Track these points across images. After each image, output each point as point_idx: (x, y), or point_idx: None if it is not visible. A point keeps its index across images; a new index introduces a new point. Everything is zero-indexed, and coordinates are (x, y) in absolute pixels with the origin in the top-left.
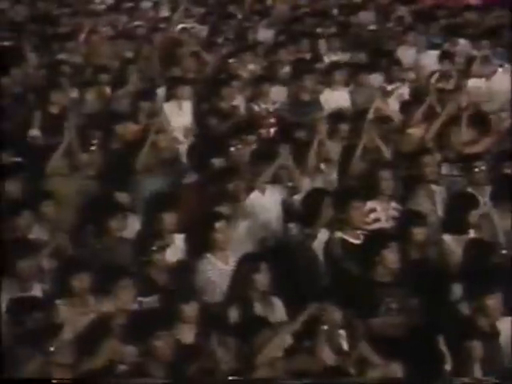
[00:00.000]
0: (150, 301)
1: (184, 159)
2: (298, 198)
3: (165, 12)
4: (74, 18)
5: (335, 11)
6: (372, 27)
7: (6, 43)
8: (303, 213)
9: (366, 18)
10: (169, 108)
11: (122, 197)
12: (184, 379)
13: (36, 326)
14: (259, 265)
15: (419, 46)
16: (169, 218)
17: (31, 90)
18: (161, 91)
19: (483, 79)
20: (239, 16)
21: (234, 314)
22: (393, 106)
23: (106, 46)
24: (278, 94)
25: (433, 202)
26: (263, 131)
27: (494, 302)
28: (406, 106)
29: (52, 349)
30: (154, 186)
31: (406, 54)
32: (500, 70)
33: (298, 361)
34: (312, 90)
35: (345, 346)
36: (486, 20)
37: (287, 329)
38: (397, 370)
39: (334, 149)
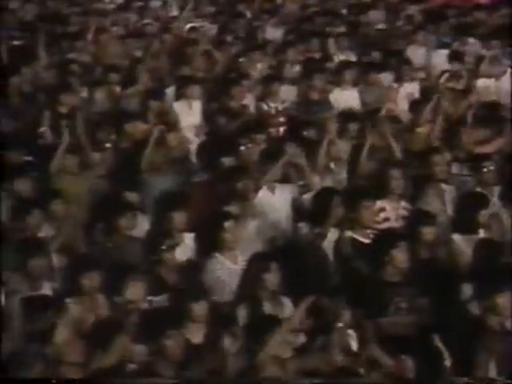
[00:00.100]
0: (160, 300)
1: (194, 158)
2: (307, 197)
3: (174, 11)
4: (83, 17)
5: (345, 10)
6: (381, 26)
7: (16, 42)
8: (313, 212)
9: (376, 17)
10: (179, 107)
11: (131, 196)
12: (193, 378)
13: (46, 324)
14: (269, 264)
15: (429, 45)
16: (178, 217)
17: (41, 89)
18: (170, 90)
19: (493, 79)
20: (249, 15)
21: (243, 314)
22: (402, 105)
23: (116, 45)
24: (287, 93)
25: (442, 201)
26: (273, 130)
27: (503, 301)
28: (415, 105)
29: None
30: (163, 185)
31: (415, 53)
32: (510, 70)
33: (310, 360)
34: (321, 89)
35: (354, 346)
36: (496, 19)
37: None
38: (406, 369)
39: (344, 148)
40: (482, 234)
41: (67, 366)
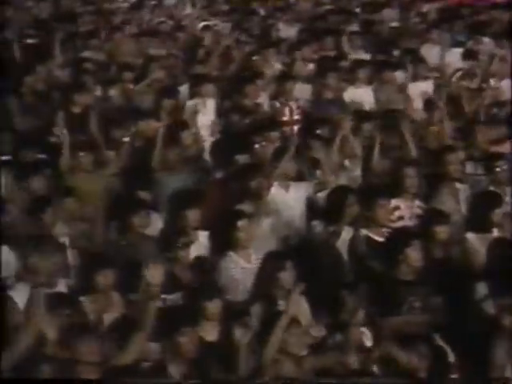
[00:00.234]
0: (174, 298)
1: (208, 157)
2: (321, 195)
3: (188, 9)
4: (97, 15)
5: (358, 9)
6: (395, 24)
7: (30, 41)
8: (327, 210)
9: (390, 15)
10: (193, 105)
11: (145, 194)
12: (207, 376)
13: (61, 322)
14: (284, 263)
15: (443, 43)
16: (192, 215)
17: (55, 87)
18: (184, 89)
19: (507, 78)
20: (262, 13)
21: (258, 312)
22: (416, 103)
23: (130, 43)
24: (301, 91)
25: (456, 200)
26: (287, 128)
27: None
28: (429, 104)
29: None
30: (177, 184)
31: (430, 51)
32: None
33: (325, 359)
34: (335, 87)
35: (368, 343)
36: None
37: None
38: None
39: (358, 146)
40: (495, 233)
41: (83, 366)
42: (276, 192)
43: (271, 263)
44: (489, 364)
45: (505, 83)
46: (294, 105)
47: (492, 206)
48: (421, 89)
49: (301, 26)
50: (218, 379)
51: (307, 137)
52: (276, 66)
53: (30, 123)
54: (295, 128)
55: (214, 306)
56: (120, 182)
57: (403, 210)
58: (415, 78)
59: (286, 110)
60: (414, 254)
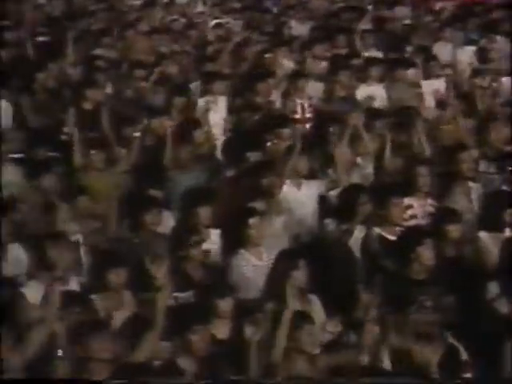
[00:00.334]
0: (186, 296)
1: (219, 154)
2: (334, 193)
3: (200, 7)
4: (109, 13)
5: (371, 6)
6: (408, 22)
7: (42, 38)
8: (340, 208)
9: (402, 13)
10: (204, 103)
11: (156, 192)
12: (218, 375)
13: (73, 320)
14: (297, 261)
15: (456, 41)
16: (204, 213)
17: (67, 85)
18: (195, 86)
19: None
20: (275, 11)
21: (271, 310)
22: (429, 101)
23: (142, 41)
24: (313, 89)
25: (469, 199)
26: (299, 126)
27: None
28: (442, 102)
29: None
30: (189, 182)
31: (442, 49)
32: None
33: (338, 357)
34: (348, 85)
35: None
36: None
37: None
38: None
39: (370, 144)
40: (508, 232)
41: (95, 364)
42: (288, 190)
43: (284, 262)
44: (501, 363)
45: None
46: (306, 103)
47: (505, 205)
48: (433, 87)
49: (313, 24)
50: (229, 378)
51: (319, 135)
52: (288, 63)
53: (42, 121)
54: (307, 126)
55: (225, 304)
56: (132, 179)
57: (416, 209)
58: (428, 75)
59: (298, 108)
60: (426, 253)
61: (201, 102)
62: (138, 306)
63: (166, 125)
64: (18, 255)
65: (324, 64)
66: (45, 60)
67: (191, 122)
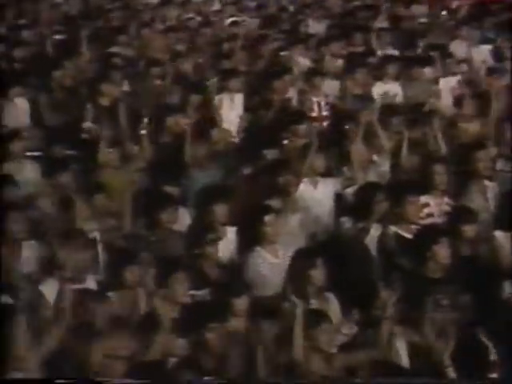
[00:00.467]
0: (202, 294)
1: (236, 152)
2: (350, 191)
3: (216, 5)
4: (125, 11)
5: (387, 4)
6: (424, 20)
7: (59, 37)
8: (356, 206)
9: (419, 11)
10: (221, 100)
11: (172, 190)
12: (234, 372)
13: (91, 318)
14: (314, 260)
15: (472, 40)
16: (220, 211)
17: (83, 82)
18: (211, 84)
19: None
20: (291, 9)
21: (289, 309)
22: (446, 99)
23: (158, 39)
24: (330, 87)
25: (485, 198)
26: (316, 124)
27: None
28: (458, 100)
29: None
30: (205, 179)
31: (459, 47)
32: None
33: (355, 356)
34: (364, 83)
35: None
36: None
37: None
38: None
39: (387, 142)
40: None
41: (115, 360)
42: (304, 188)
43: (300, 260)
44: None
45: None
46: (322, 101)
47: None
48: (450, 85)
49: (329, 22)
50: (245, 376)
51: (335, 132)
52: (304, 61)
53: (59, 119)
54: (324, 124)
55: (241, 302)
56: (148, 177)
57: (432, 207)
58: (444, 74)
59: (315, 106)
60: (441, 252)
61: (217, 99)
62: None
63: (182, 122)
64: (34, 253)
65: (340, 62)
66: (61, 58)
67: (208, 120)
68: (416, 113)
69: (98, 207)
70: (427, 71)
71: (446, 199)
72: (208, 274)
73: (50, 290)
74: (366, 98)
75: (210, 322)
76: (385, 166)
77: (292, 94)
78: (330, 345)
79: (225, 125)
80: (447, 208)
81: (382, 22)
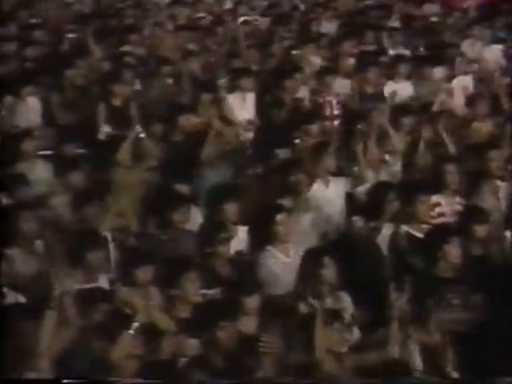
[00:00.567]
0: (213, 293)
1: (247, 151)
2: (362, 190)
3: (227, 4)
4: (137, 10)
5: (399, 4)
6: (435, 19)
7: (71, 35)
8: (368, 206)
9: (430, 10)
10: (232, 99)
11: (184, 189)
12: (245, 371)
13: (103, 317)
14: (325, 259)
15: (484, 39)
16: (231, 209)
17: (95, 81)
18: (222, 83)
19: None
20: (302, 8)
21: (303, 308)
22: (457, 99)
23: (169, 38)
24: (341, 86)
25: (497, 197)
26: (327, 123)
27: None
28: (470, 100)
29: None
30: (217, 178)
31: (470, 47)
32: None
33: (367, 356)
34: (375, 82)
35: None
36: None
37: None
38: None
39: (398, 141)
40: None
41: (126, 359)
42: (316, 187)
43: (311, 260)
44: None
45: None
46: (334, 99)
47: None
48: (462, 84)
49: (341, 21)
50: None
51: (347, 132)
52: (316, 60)
53: (71, 118)
54: (335, 123)
55: (252, 301)
56: (159, 176)
57: (444, 207)
58: (456, 73)
59: (326, 105)
60: (452, 251)
61: (229, 98)
62: (166, 303)
63: (193, 121)
64: (46, 252)
65: (352, 61)
66: (73, 57)
67: (219, 119)
68: (427, 112)
69: (109, 206)
70: (439, 70)
71: (457, 199)
72: (219, 273)
73: (61, 289)
74: (378, 97)
75: (221, 320)
76: (396, 165)
77: (304, 93)
78: (341, 344)
79: (236, 124)
80: (459, 208)
81: (393, 21)
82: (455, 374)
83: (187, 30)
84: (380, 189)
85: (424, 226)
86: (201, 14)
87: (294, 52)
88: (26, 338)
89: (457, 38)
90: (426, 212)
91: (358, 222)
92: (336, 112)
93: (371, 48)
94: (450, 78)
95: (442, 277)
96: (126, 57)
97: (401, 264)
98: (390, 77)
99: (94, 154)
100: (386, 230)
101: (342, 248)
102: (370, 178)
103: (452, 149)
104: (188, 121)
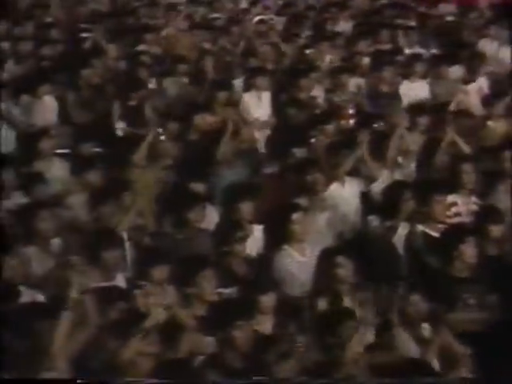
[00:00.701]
0: (230, 291)
1: (263, 150)
2: (378, 190)
3: (243, 3)
4: (152, 9)
5: (414, 3)
6: (451, 19)
7: (87, 34)
8: (384, 205)
9: (446, 9)
10: (248, 99)
11: (200, 187)
12: (262, 370)
13: (120, 315)
14: (339, 259)
15: (500, 39)
16: (246, 208)
17: (111, 80)
18: (238, 82)
19: None
20: (318, 7)
21: (320, 307)
22: (473, 99)
23: (185, 37)
24: (356, 85)
25: None
26: (343, 122)
27: None
28: (486, 100)
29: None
30: (233, 177)
31: (486, 47)
32: None
33: (379, 355)
34: (391, 81)
35: (428, 337)
36: None
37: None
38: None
39: (413, 141)
40: None
41: (143, 357)
42: (333, 187)
43: (327, 259)
44: None
45: None
46: (349, 99)
47: None
48: (478, 84)
49: (356, 20)
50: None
51: (362, 131)
52: (331, 59)
53: (87, 116)
54: (351, 122)
55: (268, 300)
56: (175, 175)
57: (460, 207)
58: (472, 72)
59: (342, 104)
60: (468, 251)
61: (245, 97)
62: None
63: (209, 120)
64: (62, 250)
65: (367, 60)
66: (89, 56)
67: (235, 118)
68: (443, 111)
69: (125, 205)
70: (455, 70)
71: (473, 198)
72: (236, 272)
73: (78, 288)
74: (393, 97)
75: (238, 319)
76: (410, 164)
77: (319, 92)
78: (355, 344)
79: (252, 122)
80: (474, 207)
81: (409, 21)
82: (471, 374)
83: (203, 28)
84: (396, 188)
85: (440, 226)
86: (216, 14)
87: (308, 51)
88: (42, 338)
89: (473, 37)
90: (441, 211)
91: (374, 221)
92: (351, 111)
93: (387, 47)
94: (466, 77)
95: (457, 276)
96: (142, 56)
97: (416, 264)
98: (406, 76)
99: (111, 153)
100: (402, 230)
101: (358, 247)
102: (386, 177)
103: (468, 149)
104: (204, 120)
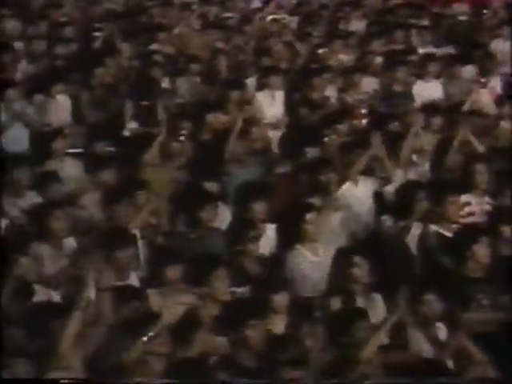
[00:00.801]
0: (242, 291)
1: (276, 149)
2: (391, 190)
3: (256, 3)
4: (166, 8)
5: (428, 2)
6: (464, 18)
7: (100, 34)
8: (397, 205)
9: (460, 9)
10: (261, 98)
11: (213, 187)
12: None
13: (133, 314)
14: (354, 258)
15: None
16: (259, 208)
17: (124, 80)
18: (251, 81)
19: None
20: (331, 6)
21: (335, 306)
22: (486, 99)
23: (198, 36)
24: (369, 84)
25: None
26: (356, 122)
27: None
28: (499, 100)
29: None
30: (245, 176)
31: (500, 47)
32: None
33: (393, 355)
34: (404, 81)
35: (442, 337)
36: None
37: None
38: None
39: (427, 141)
40: None
41: (155, 356)
42: (346, 186)
43: (344, 259)
44: None
45: None
46: (362, 98)
47: None
48: (490, 84)
49: (369, 20)
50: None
51: (375, 131)
52: (344, 59)
53: (101, 116)
54: (364, 122)
55: (281, 299)
56: (188, 174)
57: (473, 206)
58: (485, 72)
59: (355, 104)
60: (481, 251)
61: (258, 96)
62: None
63: (222, 119)
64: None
65: (380, 59)
66: (102, 55)
67: (248, 117)
68: (457, 111)
69: (139, 204)
70: (468, 70)
71: (486, 198)
72: (248, 271)
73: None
74: (406, 97)
75: (250, 319)
76: (424, 164)
77: (332, 91)
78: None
79: (265, 122)
80: (488, 207)
81: (422, 20)
82: (485, 374)
83: (216, 28)
84: (409, 188)
85: (453, 226)
86: (229, 13)
87: (322, 50)
88: (54, 337)
89: (486, 37)
90: (455, 211)
91: (388, 221)
92: (364, 111)
93: (400, 47)
94: (479, 77)
95: (470, 277)
96: (155, 55)
97: (430, 264)
98: (420, 76)
99: (124, 152)
100: (415, 230)
101: (371, 247)
102: (399, 177)
103: (481, 148)
104: (216, 119)
